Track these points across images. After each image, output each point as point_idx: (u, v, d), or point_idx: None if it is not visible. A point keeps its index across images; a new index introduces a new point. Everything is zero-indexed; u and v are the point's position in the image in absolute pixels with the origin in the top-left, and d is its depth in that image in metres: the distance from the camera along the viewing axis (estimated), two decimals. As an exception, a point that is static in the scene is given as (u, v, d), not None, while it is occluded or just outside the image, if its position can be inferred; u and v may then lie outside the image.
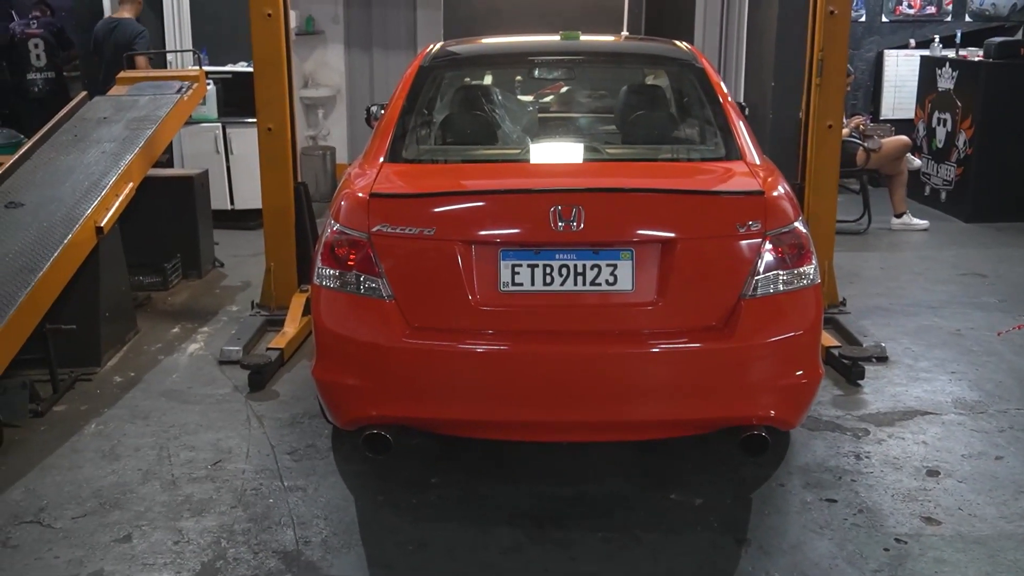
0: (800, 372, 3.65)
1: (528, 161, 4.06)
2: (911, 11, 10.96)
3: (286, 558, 3.64)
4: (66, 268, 5.06)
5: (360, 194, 3.75)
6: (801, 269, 3.65)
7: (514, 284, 3.57)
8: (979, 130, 9.11)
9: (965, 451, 4.53)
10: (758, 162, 4.05)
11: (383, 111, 4.65)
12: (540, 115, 4.98)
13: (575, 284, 3.57)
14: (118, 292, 5.93)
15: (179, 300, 6.88)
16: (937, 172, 9.69)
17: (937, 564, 3.62)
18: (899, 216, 8.99)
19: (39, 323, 4.81)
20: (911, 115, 10.35)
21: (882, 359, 5.61)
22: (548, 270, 3.56)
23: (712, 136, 4.24)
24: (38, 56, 10.32)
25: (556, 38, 5.04)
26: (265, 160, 6.07)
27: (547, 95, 5.18)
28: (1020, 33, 10.26)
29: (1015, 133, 8.97)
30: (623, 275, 3.56)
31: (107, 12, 9.46)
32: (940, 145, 9.69)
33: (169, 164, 8.25)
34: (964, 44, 10.10)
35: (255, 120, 7.93)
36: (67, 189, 5.59)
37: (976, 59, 9.22)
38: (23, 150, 6.05)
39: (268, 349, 5.52)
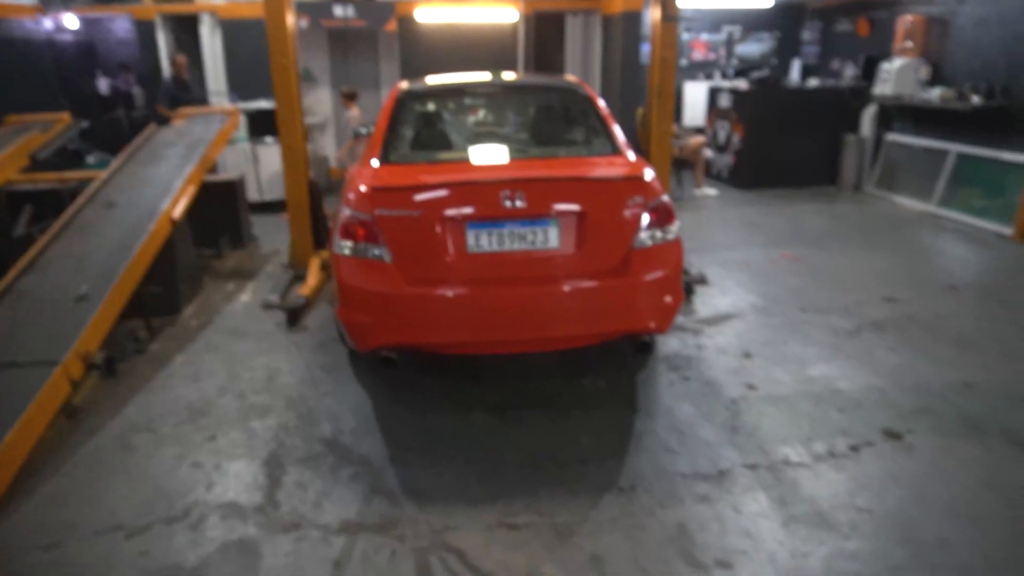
0: (670, 297, 3.45)
1: (477, 161, 3.72)
2: (701, 57, 10.78)
3: (327, 443, 3.33)
4: (152, 248, 4.54)
5: (364, 188, 3.38)
6: (669, 227, 3.44)
7: (477, 247, 3.27)
8: (746, 132, 9.03)
9: (763, 340, 4.44)
10: (632, 158, 3.80)
11: (371, 128, 4.22)
12: (478, 129, 4.64)
13: (519, 244, 3.28)
14: (189, 261, 5.40)
15: (230, 264, 6.34)
16: (721, 159, 9.61)
17: (758, 415, 3.52)
18: (699, 188, 8.90)
19: (135, 288, 4.31)
20: (703, 123, 10.21)
21: (703, 282, 5.50)
22: (500, 236, 3.27)
23: (599, 140, 3.96)
24: (139, 99, 9.85)
25: (487, 76, 4.67)
26: (287, 167, 5.56)
27: (479, 114, 4.80)
28: (768, 71, 10.15)
29: (768, 134, 8.93)
30: (551, 237, 3.29)
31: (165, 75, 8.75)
32: (722, 143, 9.59)
33: (214, 171, 7.60)
34: (735, 77, 9.98)
35: (274, 139, 7.40)
36: (148, 192, 5.02)
37: (744, 88, 9.09)
38: (115, 166, 5.42)
39: (298, 296, 5.10)
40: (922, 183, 8.05)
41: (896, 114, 8.63)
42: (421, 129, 4.13)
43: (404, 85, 4.43)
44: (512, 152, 3.95)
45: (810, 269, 5.86)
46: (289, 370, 4.11)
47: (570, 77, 4.72)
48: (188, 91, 8.07)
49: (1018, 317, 4.75)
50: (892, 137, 8.64)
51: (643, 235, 3.36)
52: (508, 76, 4.73)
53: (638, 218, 3.35)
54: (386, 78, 10.00)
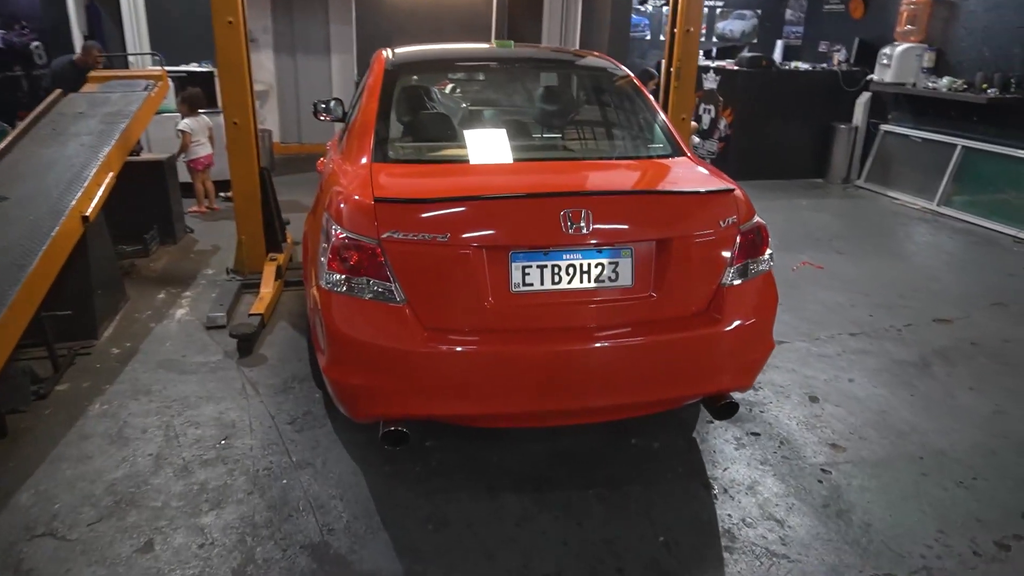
0: (763, 345, 2.67)
1: (509, 161, 2.82)
2: (679, 31, 9.98)
3: (315, 552, 2.40)
4: (56, 258, 3.43)
5: (358, 197, 2.43)
6: (762, 257, 2.64)
7: (524, 285, 2.38)
8: (736, 118, 8.34)
9: (824, 376, 3.73)
10: (694, 157, 2.98)
11: (356, 111, 3.22)
12: (495, 116, 3.68)
13: (581, 282, 2.41)
14: (107, 267, 4.28)
15: (160, 265, 5.22)
16: (703, 146, 8.91)
17: (862, 493, 2.79)
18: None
19: (35, 312, 3.22)
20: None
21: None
22: (556, 271, 2.39)
23: (651, 135, 3.11)
24: (39, 56, 7.94)
25: (490, 46, 3.72)
26: (233, 150, 4.48)
27: (491, 96, 3.83)
28: (746, 49, 9.47)
29: (758, 121, 8.27)
30: (624, 272, 2.44)
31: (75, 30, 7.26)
32: (705, 127, 8.88)
33: (136, 153, 6.31)
34: (717, 57, 9.27)
35: (207, 110, 6.22)
36: (51, 181, 3.85)
37: (735, 69, 8.38)
38: (3, 144, 4.21)
39: (251, 315, 4.07)
40: (922, 179, 7.55)
41: (893, 103, 8.10)
42: (423, 115, 3.18)
43: (389, 54, 3.44)
44: (551, 151, 3.06)
45: (836, 279, 5.20)
46: (248, 426, 3.13)
47: (595, 54, 3.82)
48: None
49: (1087, 344, 4.21)
50: (888, 128, 8.12)
51: (736, 268, 2.55)
52: (517, 48, 3.79)
53: (731, 245, 2.54)
54: (337, 43, 8.82)
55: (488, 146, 2.95)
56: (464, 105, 3.67)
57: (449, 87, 3.72)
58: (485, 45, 3.72)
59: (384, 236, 2.32)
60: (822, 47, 9.28)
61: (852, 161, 8.46)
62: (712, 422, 3.24)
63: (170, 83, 5.87)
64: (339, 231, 2.39)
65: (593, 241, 2.36)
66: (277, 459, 2.89)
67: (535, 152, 3.03)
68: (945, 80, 7.16)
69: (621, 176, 2.74)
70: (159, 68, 5.79)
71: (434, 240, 2.30)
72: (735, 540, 2.51)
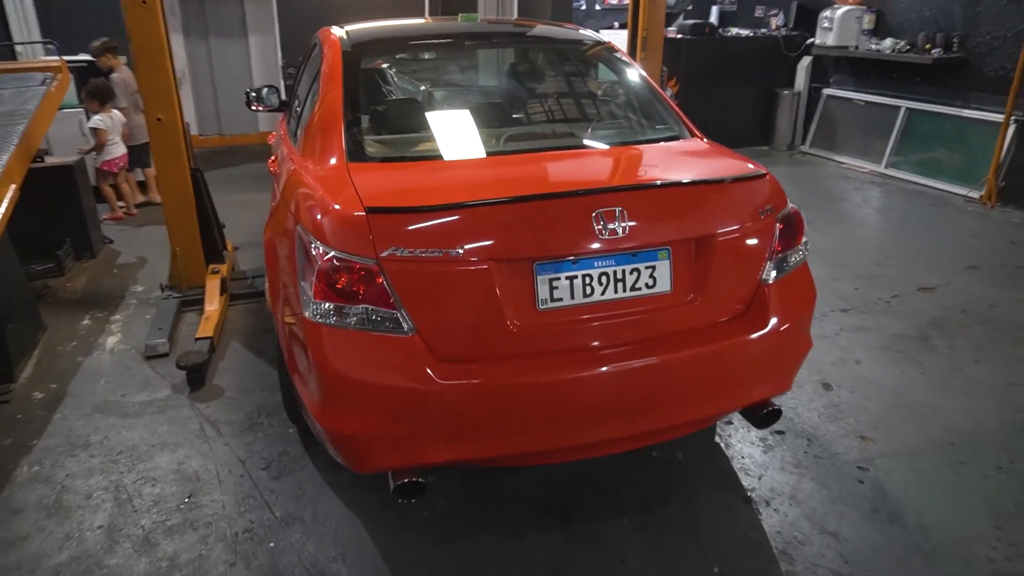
0: (804, 344, 2.42)
1: (509, 153, 2.44)
2: (615, 2, 9.73)
3: (324, 635, 2.02)
4: (-46, 295, 2.86)
5: (341, 207, 2.01)
6: (799, 246, 2.38)
7: (552, 300, 2.03)
8: (681, 87, 8.15)
9: (829, 358, 3.55)
10: (704, 138, 2.70)
11: (312, 101, 2.75)
12: (476, 100, 3.26)
13: (615, 292, 2.08)
14: (16, 293, 3.68)
15: (79, 285, 4.58)
16: (648, 117, 8.67)
17: (904, 489, 2.60)
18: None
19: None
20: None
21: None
22: (587, 281, 2.05)
23: (656, 117, 2.79)
24: None
25: (453, 21, 3.30)
26: (160, 150, 3.90)
27: (466, 77, 3.39)
28: (682, 16, 9.28)
29: (704, 89, 8.10)
30: (662, 276, 2.12)
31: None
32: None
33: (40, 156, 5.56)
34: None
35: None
36: (-64, 200, 3.23)
37: (677, 36, 8.16)
38: None
39: (198, 339, 3.56)
40: (868, 142, 7.57)
41: (834, 67, 8.08)
42: (398, 104, 2.77)
43: (341, 33, 2.98)
44: (554, 140, 2.69)
45: (811, 251, 5.06)
46: (215, 476, 2.68)
47: (569, 25, 3.46)
48: None
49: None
50: (830, 92, 8.10)
51: (775, 261, 2.28)
52: (487, 22, 3.38)
53: (770, 236, 2.26)
54: (255, 23, 8.11)
55: (480, 137, 2.56)
56: (441, 91, 3.25)
57: (433, 69, 3.29)
58: (450, 20, 3.31)
59: (385, 254, 1.91)
60: (758, 12, 9.17)
61: (796, 127, 8.43)
62: (731, 423, 3.00)
63: (70, 75, 5.14)
64: (324, 251, 1.97)
65: (628, 244, 2.03)
66: (257, 516, 2.47)
67: (536, 142, 2.65)
68: (888, 41, 7.14)
69: (646, 166, 2.40)
70: (56, 58, 5.05)
71: (446, 256, 1.92)
72: (794, 563, 2.26)
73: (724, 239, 2.15)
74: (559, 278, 2.02)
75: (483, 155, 2.42)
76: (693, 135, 2.68)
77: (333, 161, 2.31)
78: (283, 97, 3.91)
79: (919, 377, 3.38)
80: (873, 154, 7.46)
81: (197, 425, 3.01)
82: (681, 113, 2.77)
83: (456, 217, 1.96)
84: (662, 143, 2.60)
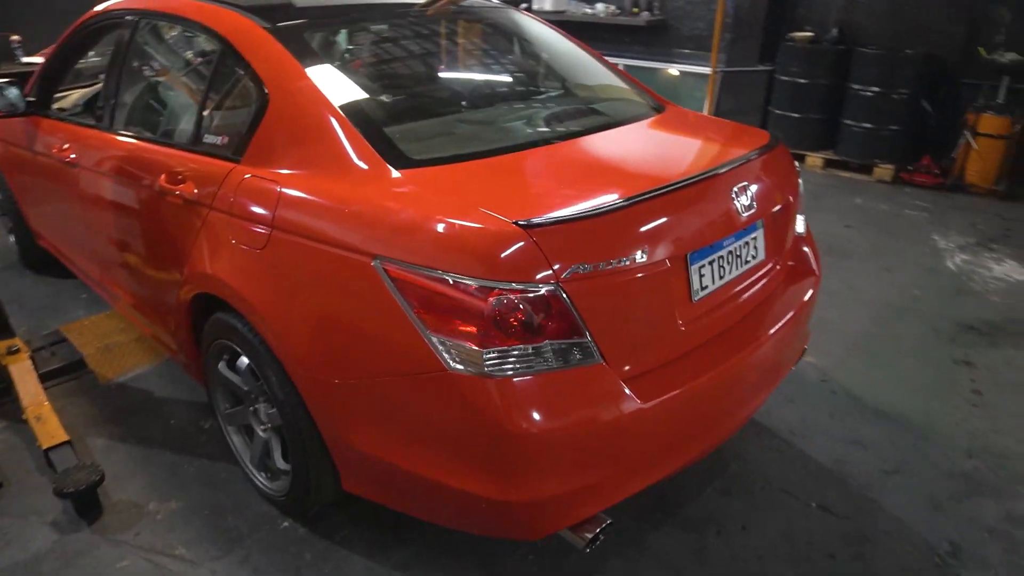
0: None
1: (562, 138, 2.09)
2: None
3: None
4: None
5: (484, 226, 1.57)
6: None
7: (702, 290, 1.90)
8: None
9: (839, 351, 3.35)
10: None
11: (274, 98, 2.06)
12: (497, 81, 2.77)
13: (736, 268, 2.04)
14: None
15: None
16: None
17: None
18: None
19: None
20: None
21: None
22: (721, 261, 1.97)
23: (626, 85, 2.71)
24: None
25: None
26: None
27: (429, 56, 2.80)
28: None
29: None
30: (759, 245, 2.13)
31: None
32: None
33: None
34: None
35: None
36: None
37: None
38: None
39: (48, 450, 2.50)
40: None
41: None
42: (403, 92, 2.28)
43: (234, 10, 2.28)
44: (588, 119, 2.41)
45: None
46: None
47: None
48: None
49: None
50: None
51: (799, 213, 2.44)
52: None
53: (798, 193, 2.40)
54: None
55: (518, 123, 2.26)
56: (424, 71, 2.72)
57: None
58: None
59: (567, 275, 1.58)
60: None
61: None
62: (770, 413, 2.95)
63: None
64: (481, 285, 1.55)
65: (750, 217, 1.98)
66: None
67: (573, 122, 2.33)
68: (600, 6, 7.90)
69: (704, 140, 2.33)
70: None
71: (632, 263, 1.66)
72: None
73: (786, 204, 2.23)
74: (705, 264, 1.90)
75: (542, 143, 2.08)
76: (670, 103, 2.68)
77: (366, 166, 1.80)
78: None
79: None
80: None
81: (144, 563, 2.15)
82: (639, 82, 2.75)
83: (625, 218, 1.69)
84: (668, 113, 2.54)
